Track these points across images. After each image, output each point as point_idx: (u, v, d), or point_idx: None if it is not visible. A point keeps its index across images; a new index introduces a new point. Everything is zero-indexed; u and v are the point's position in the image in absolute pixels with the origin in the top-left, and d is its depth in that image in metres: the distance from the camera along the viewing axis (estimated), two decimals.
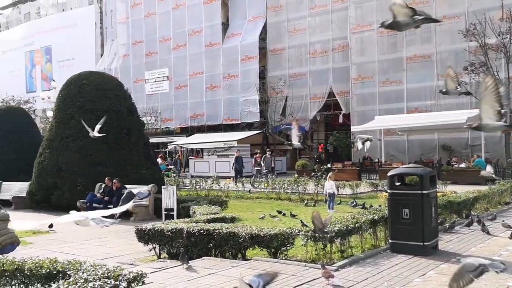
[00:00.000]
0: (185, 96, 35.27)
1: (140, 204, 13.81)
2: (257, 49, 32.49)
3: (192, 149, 34.18)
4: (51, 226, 11.66)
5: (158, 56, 36.71)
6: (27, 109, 29.72)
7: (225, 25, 34.66)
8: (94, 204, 14.39)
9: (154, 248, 8.37)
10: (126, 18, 38.64)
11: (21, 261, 4.82)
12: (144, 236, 8.29)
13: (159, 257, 8.29)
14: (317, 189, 15.75)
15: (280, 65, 32.64)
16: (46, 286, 4.02)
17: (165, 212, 12.60)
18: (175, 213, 12.35)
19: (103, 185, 14.79)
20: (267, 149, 27.04)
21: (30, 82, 47.20)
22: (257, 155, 24.99)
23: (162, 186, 13.47)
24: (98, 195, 14.63)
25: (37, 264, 4.63)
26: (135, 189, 14.44)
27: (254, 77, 32.26)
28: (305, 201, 15.17)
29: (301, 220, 10.27)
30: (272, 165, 24.00)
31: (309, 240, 6.85)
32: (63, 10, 44.78)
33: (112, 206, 13.95)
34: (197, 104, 34.66)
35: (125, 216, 13.74)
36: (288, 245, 7.20)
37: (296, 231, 7.26)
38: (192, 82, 34.84)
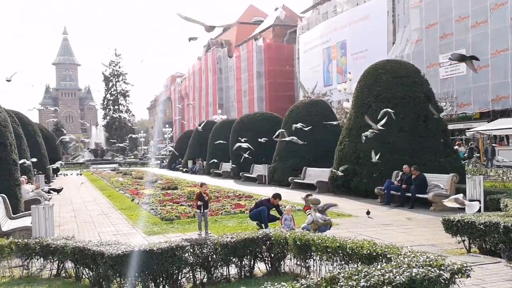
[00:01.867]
0: (485, 78, 31.89)
1: (440, 193, 13.18)
2: None
3: (494, 136, 30.73)
4: (368, 213, 12.18)
5: (454, 37, 34.27)
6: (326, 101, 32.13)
7: None
8: (392, 191, 14.47)
9: (463, 240, 7.77)
10: (419, 2, 37.47)
11: (342, 240, 5.15)
12: (452, 227, 7.79)
13: (468, 251, 7.67)
14: None
15: None
16: (366, 266, 4.12)
17: None
18: (482, 205, 11.26)
19: (400, 173, 14.68)
20: None
21: (327, 76, 51.18)
22: None
23: (466, 176, 12.47)
24: (396, 182, 14.61)
25: (357, 245, 4.85)
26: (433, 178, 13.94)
27: None
28: None
29: None
30: None
31: None
32: (357, 4, 46.72)
33: (410, 195, 13.80)
34: (500, 86, 30.89)
35: (425, 205, 13.37)
36: None
37: None
38: (494, 61, 31.20)
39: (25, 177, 15.10)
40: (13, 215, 11.05)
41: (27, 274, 7.20)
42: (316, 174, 19.76)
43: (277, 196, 10.95)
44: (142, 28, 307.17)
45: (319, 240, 5.53)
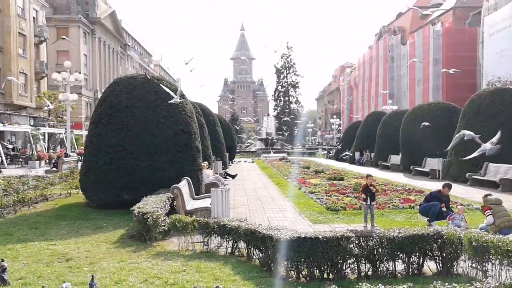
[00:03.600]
0: None
1: None
2: None
3: None
4: None
5: None
6: None
7: None
8: None
9: None
10: None
11: None
12: None
13: None
14: None
15: None
16: None
17: None
18: None
19: None
20: None
21: None
22: None
23: None
24: None
25: None
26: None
27: None
28: None
29: None
30: None
31: None
32: None
33: None
34: None
35: None
36: None
37: None
38: None
39: (206, 162, 16.68)
40: (195, 196, 12.36)
41: (207, 250, 7.99)
42: (500, 170, 17.77)
43: (446, 185, 10.25)
44: (312, 22, 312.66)
45: (500, 243, 5.00)
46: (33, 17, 47.23)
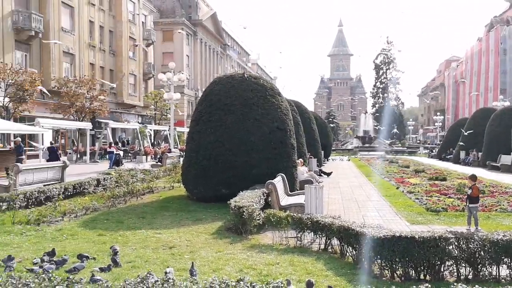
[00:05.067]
0: None
1: None
2: None
3: None
4: None
5: None
6: None
7: None
8: None
9: None
10: None
11: None
12: None
13: None
14: None
15: None
16: None
17: None
18: None
19: None
20: None
21: None
22: None
23: None
24: None
25: None
26: None
27: None
28: None
29: None
30: None
31: None
32: None
33: None
34: None
35: None
36: None
37: None
38: None
39: (301, 160, 16.77)
40: (290, 193, 12.52)
41: (300, 245, 8.09)
42: None
43: None
44: (414, 14, 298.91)
45: None
46: (142, 22, 50.74)
